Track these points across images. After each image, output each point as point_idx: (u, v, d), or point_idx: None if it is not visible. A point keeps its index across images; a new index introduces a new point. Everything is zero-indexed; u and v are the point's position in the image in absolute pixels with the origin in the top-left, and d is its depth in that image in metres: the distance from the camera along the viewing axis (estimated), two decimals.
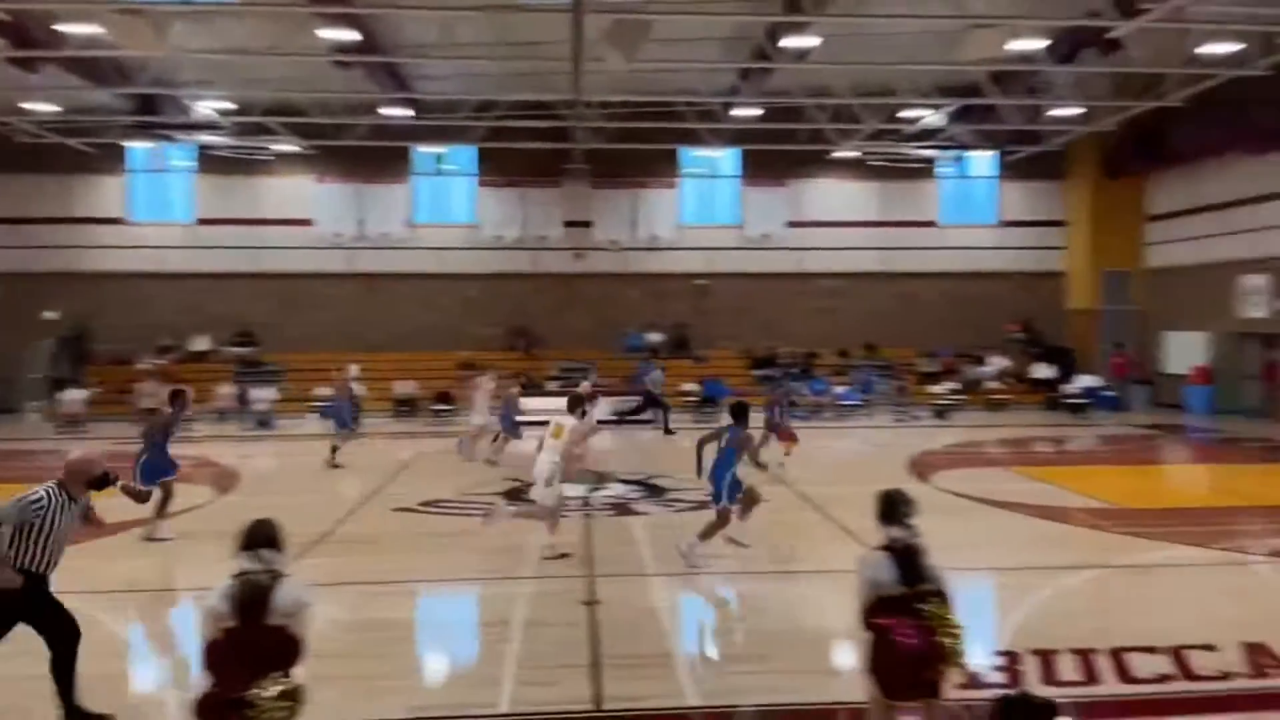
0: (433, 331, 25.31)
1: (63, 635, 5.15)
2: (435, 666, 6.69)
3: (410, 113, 21.76)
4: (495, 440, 15.19)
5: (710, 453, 8.95)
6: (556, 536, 8.97)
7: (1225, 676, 5.97)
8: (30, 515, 4.98)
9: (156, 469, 9.70)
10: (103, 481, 5.33)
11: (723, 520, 8.87)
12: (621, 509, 11.60)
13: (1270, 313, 21.30)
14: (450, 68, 20.40)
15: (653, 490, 12.90)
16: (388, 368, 23.67)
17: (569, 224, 26.03)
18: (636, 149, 24.32)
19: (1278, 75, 17.31)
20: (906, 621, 4.09)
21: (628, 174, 25.91)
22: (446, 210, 26.57)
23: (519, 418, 15.31)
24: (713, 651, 6.83)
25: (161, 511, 9.60)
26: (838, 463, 15.82)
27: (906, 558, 4.24)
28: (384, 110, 21.55)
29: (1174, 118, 21.58)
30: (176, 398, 10.54)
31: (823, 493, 12.37)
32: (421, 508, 11.65)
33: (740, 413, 9.24)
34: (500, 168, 25.77)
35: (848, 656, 6.45)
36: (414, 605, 8.27)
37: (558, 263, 26.15)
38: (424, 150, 25.98)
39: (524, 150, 24.65)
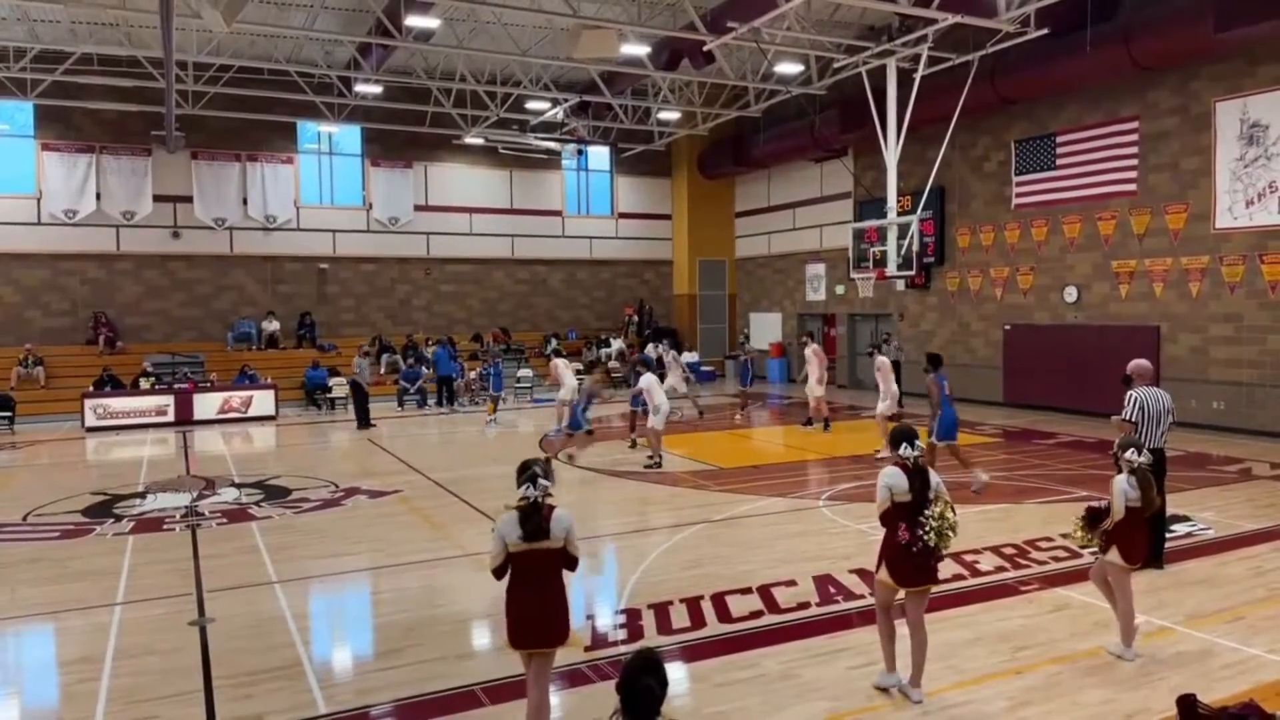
0: None
1: None
2: None
3: None
4: None
5: None
6: None
7: (803, 606, 7.04)
8: None
9: None
10: None
11: None
12: (236, 515, 10.57)
13: (827, 295, 25.54)
14: (4, 9, 16.96)
15: (273, 492, 11.94)
16: None
17: (162, 198, 22.98)
18: (246, 119, 22.22)
19: (833, 94, 20.71)
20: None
21: (236, 146, 23.53)
22: None
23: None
24: (345, 654, 6.51)
25: None
26: (468, 446, 15.95)
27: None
28: None
29: (753, 126, 24.93)
30: None
31: (453, 477, 12.48)
32: None
33: None
34: (69, 130, 21.95)
35: (485, 637, 6.56)
36: None
37: (149, 242, 22.98)
38: None
39: (101, 112, 21.30)
